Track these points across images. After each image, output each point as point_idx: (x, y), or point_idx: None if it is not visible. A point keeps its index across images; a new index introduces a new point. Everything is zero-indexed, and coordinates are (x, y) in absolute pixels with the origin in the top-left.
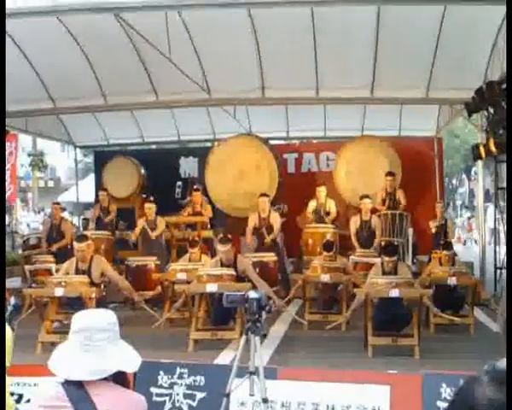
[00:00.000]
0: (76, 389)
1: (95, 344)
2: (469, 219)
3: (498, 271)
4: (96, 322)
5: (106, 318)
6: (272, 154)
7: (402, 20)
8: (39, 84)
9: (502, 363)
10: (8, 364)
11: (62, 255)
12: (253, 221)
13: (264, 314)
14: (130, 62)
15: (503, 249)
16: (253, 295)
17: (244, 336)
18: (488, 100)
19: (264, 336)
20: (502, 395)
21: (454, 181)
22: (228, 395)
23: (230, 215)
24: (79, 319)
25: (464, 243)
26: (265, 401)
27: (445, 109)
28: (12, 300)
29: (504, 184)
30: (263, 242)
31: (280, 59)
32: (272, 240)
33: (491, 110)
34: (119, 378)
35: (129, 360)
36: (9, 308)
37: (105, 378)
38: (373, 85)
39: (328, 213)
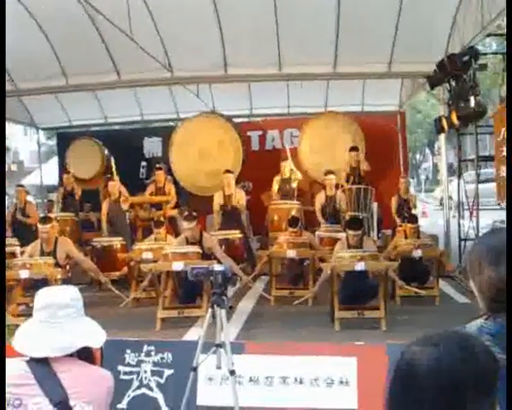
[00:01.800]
0: (41, 366)
1: (58, 321)
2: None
3: (462, 243)
4: (59, 298)
5: (69, 294)
6: (236, 131)
7: None
8: None
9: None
10: None
11: (27, 239)
12: (218, 199)
13: (229, 288)
14: (92, 42)
15: (466, 222)
16: (217, 267)
17: (210, 310)
18: (450, 72)
19: (230, 308)
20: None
21: (418, 156)
22: (195, 369)
23: (195, 194)
24: (42, 296)
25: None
26: (232, 373)
27: (408, 84)
28: None
29: (467, 157)
30: (227, 218)
31: (242, 36)
32: (237, 216)
33: (453, 83)
34: (85, 355)
35: (93, 335)
36: None
37: (70, 355)
38: (335, 61)
39: (293, 183)
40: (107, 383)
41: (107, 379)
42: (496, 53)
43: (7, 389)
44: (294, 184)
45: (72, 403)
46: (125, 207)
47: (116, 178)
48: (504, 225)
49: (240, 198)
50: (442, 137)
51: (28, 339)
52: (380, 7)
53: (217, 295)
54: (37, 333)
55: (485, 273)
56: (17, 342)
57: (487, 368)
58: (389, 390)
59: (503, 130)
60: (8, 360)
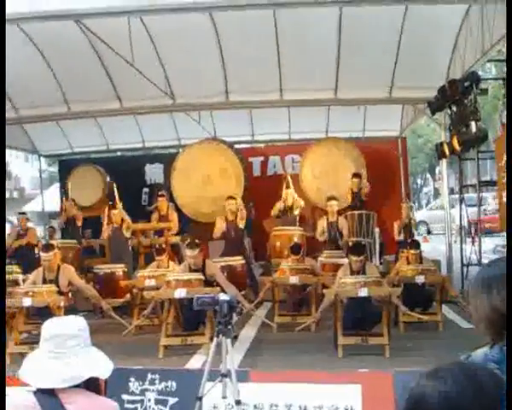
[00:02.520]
0: (48, 397)
1: (66, 351)
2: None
3: (465, 268)
4: (67, 329)
5: (76, 324)
6: (238, 158)
7: (364, 22)
8: None
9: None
10: None
11: (29, 264)
12: (220, 225)
13: (234, 316)
14: (93, 69)
15: (468, 247)
16: (223, 297)
17: (215, 339)
18: (451, 98)
19: (235, 337)
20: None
21: (419, 180)
22: (200, 399)
23: (197, 221)
24: (50, 327)
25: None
26: (238, 402)
27: (408, 109)
28: None
29: (468, 182)
30: (230, 244)
31: (243, 63)
32: (240, 243)
33: (454, 108)
34: (92, 385)
35: (101, 366)
36: None
37: (77, 385)
38: (336, 87)
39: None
40: None
41: None
42: (496, 78)
43: None
44: (297, 212)
45: None
46: (127, 234)
47: (119, 205)
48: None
49: (242, 217)
50: (443, 162)
51: (35, 370)
52: (380, 33)
53: (222, 324)
54: (45, 364)
55: (479, 303)
56: (24, 372)
57: (494, 395)
58: None
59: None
60: (14, 391)
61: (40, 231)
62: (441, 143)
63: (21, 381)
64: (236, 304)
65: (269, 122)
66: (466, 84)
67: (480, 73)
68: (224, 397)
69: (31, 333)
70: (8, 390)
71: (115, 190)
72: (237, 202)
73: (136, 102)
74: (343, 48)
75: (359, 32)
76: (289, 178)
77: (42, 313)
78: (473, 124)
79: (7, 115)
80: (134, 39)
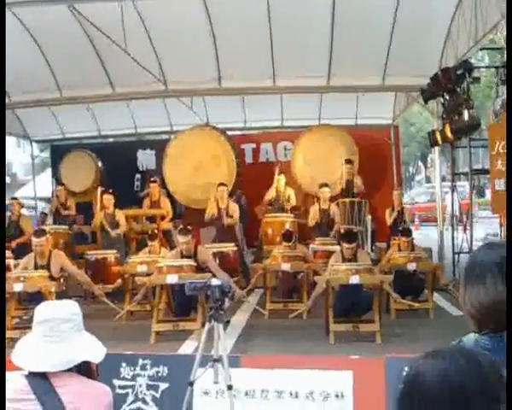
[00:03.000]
0: (40, 380)
1: (58, 335)
2: None
3: (456, 256)
4: (60, 312)
5: (69, 308)
6: (230, 144)
7: (357, 9)
8: None
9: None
10: None
11: (21, 251)
12: (211, 208)
13: (226, 301)
14: (86, 55)
15: (460, 235)
16: (215, 282)
17: (207, 324)
18: (444, 86)
19: (228, 322)
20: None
21: (411, 168)
22: (192, 384)
23: (189, 207)
24: (43, 310)
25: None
26: (230, 387)
27: (401, 97)
28: None
29: (460, 170)
30: (221, 231)
31: (236, 49)
32: (231, 229)
33: (447, 96)
34: (84, 369)
35: (93, 350)
36: None
37: (70, 369)
38: (329, 74)
39: (288, 200)
40: (106, 399)
41: (106, 394)
42: (489, 66)
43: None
44: (288, 200)
45: None
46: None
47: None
48: (496, 239)
49: (233, 211)
50: (435, 150)
51: (28, 353)
52: (373, 21)
53: (214, 309)
54: (37, 348)
55: (466, 291)
56: (16, 356)
57: (493, 377)
58: (397, 405)
59: (498, 144)
60: (6, 374)
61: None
62: (433, 131)
63: (14, 364)
64: (229, 289)
65: (261, 109)
66: (459, 72)
67: (472, 61)
68: (216, 382)
69: (22, 318)
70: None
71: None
72: (226, 194)
73: (128, 87)
74: (336, 35)
75: (352, 19)
76: (278, 166)
77: (33, 299)
78: (465, 112)
79: None
80: (127, 25)
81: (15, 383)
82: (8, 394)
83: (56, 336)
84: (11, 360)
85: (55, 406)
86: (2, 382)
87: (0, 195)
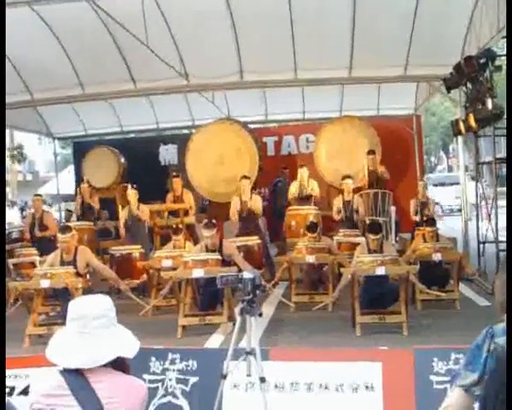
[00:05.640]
0: (76, 377)
1: (92, 331)
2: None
3: (481, 245)
4: (93, 309)
5: (102, 304)
6: (252, 137)
7: (378, 0)
8: (16, 76)
9: None
10: None
11: (46, 248)
12: (235, 205)
13: (258, 294)
14: (107, 51)
15: (485, 224)
16: (247, 275)
17: (239, 317)
18: (467, 75)
19: (260, 315)
20: None
21: (432, 159)
22: (225, 377)
23: (212, 201)
24: (76, 307)
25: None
26: (263, 380)
27: (423, 87)
28: None
29: (483, 159)
30: (245, 224)
31: (257, 42)
32: (255, 222)
33: (470, 85)
34: (119, 364)
35: (127, 345)
36: None
37: (104, 365)
38: (351, 65)
39: (310, 196)
40: (141, 393)
41: (141, 389)
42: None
43: (41, 400)
44: (312, 192)
45: None
46: (143, 215)
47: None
48: None
49: (256, 204)
50: (458, 139)
51: (62, 350)
52: (395, 11)
53: (246, 302)
54: (72, 344)
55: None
56: (51, 352)
57: None
58: None
59: None
60: (41, 371)
61: (55, 214)
62: (457, 121)
63: (48, 361)
64: (260, 281)
65: (283, 101)
66: (482, 60)
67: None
68: (249, 375)
69: (48, 315)
70: (30, 371)
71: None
72: (251, 181)
73: (150, 83)
74: (357, 26)
75: (374, 10)
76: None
77: (59, 295)
78: (489, 101)
79: (21, 98)
80: (148, 20)
81: (51, 379)
82: (44, 389)
83: (91, 332)
84: (45, 356)
85: (92, 402)
86: (2, 381)
87: (0, 194)
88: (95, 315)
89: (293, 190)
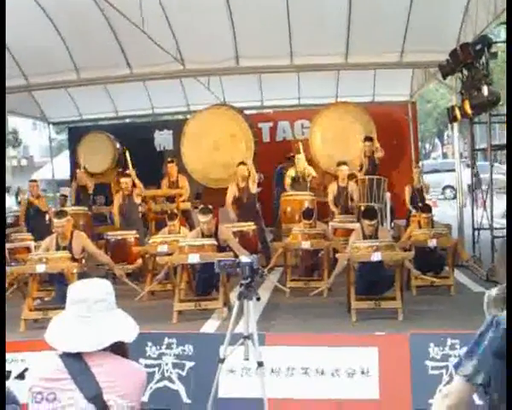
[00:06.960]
0: (75, 360)
1: (93, 315)
2: None
3: (476, 232)
4: (94, 292)
5: (102, 288)
6: (247, 123)
7: None
8: (11, 60)
9: None
10: None
11: (41, 233)
12: (232, 192)
13: (256, 279)
14: (103, 36)
15: (479, 211)
16: (245, 259)
17: (237, 302)
18: (462, 62)
19: (258, 299)
20: None
21: (427, 145)
22: (223, 361)
23: (207, 187)
24: (76, 290)
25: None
26: (261, 364)
27: (419, 74)
28: None
29: (478, 146)
30: (244, 209)
31: (253, 28)
32: (253, 207)
33: (466, 72)
34: (118, 348)
35: (127, 329)
36: None
37: (104, 349)
38: (347, 51)
39: (308, 178)
40: (140, 377)
41: (140, 373)
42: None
43: (40, 383)
44: (308, 178)
45: (106, 397)
46: (137, 200)
47: (132, 171)
48: None
49: (254, 180)
50: (453, 126)
51: (62, 334)
52: None
53: (244, 286)
54: (72, 328)
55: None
56: (50, 336)
57: None
58: None
59: None
60: (40, 354)
61: (50, 199)
62: (453, 107)
63: (44, 345)
64: (258, 266)
65: (278, 87)
66: (478, 47)
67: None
68: (247, 359)
69: (43, 299)
70: (26, 355)
71: (127, 156)
72: (248, 166)
73: (145, 68)
74: (354, 12)
75: None
76: (300, 144)
77: (54, 280)
78: (485, 88)
79: (16, 83)
80: (144, 5)
81: (50, 362)
82: (43, 373)
83: (90, 315)
84: (45, 340)
85: (91, 385)
86: (2, 381)
87: (0, 195)
88: (96, 299)
89: (289, 179)
